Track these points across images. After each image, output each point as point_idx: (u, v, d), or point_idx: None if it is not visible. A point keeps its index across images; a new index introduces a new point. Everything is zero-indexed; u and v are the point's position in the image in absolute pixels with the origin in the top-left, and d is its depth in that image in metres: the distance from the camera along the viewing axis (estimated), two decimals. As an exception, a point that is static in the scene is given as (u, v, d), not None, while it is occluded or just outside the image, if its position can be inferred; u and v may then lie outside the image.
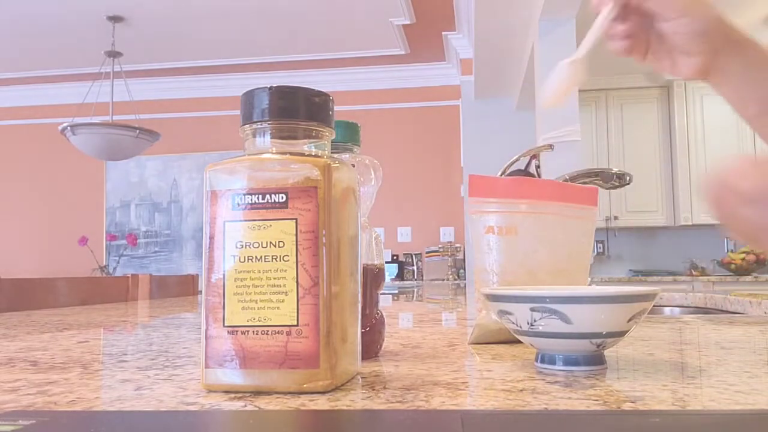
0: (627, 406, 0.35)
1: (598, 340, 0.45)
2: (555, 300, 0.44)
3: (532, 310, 0.45)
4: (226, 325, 0.40)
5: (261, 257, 0.40)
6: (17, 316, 1.14)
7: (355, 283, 0.43)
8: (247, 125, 0.43)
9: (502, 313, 0.48)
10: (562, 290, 0.49)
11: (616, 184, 1.26)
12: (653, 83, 4.92)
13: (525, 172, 1.61)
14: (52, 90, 5.54)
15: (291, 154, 0.42)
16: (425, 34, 4.52)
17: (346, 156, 0.54)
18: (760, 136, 0.66)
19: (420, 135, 5.25)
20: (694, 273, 4.73)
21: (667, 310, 1.59)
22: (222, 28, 4.40)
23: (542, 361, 0.48)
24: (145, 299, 2.08)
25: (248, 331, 0.39)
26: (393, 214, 5.13)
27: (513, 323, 0.47)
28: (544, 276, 0.64)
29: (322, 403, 0.37)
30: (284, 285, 0.39)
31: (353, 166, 0.45)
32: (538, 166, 1.93)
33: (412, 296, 1.98)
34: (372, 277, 0.55)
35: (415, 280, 4.91)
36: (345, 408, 0.36)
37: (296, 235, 0.39)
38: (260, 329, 0.39)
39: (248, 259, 0.40)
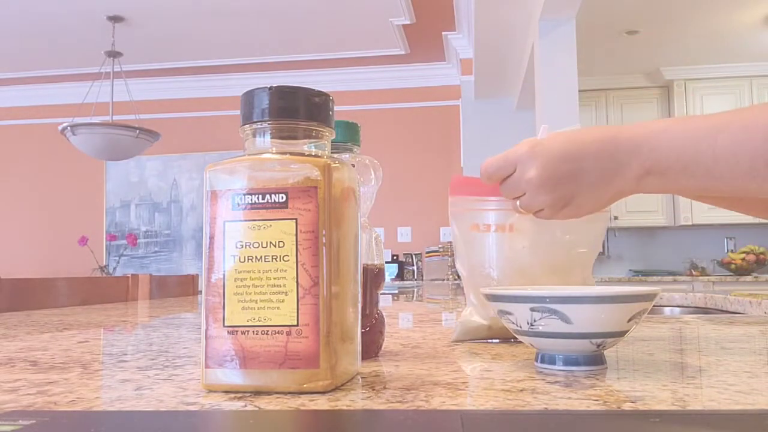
0: (627, 406, 0.35)
1: (598, 340, 0.45)
2: (555, 300, 0.44)
3: (532, 310, 0.45)
4: (226, 325, 0.40)
5: (261, 257, 0.40)
6: (17, 316, 1.14)
7: (355, 283, 0.43)
8: (247, 125, 0.43)
9: (502, 313, 0.48)
10: (562, 290, 0.49)
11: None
12: (653, 83, 4.93)
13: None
14: (52, 90, 5.54)
15: (291, 154, 0.42)
16: (425, 34, 4.52)
17: (346, 156, 0.54)
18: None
19: (420, 135, 5.25)
20: (694, 273, 4.73)
21: (667, 310, 1.59)
22: (222, 28, 4.40)
23: (542, 361, 0.48)
24: (145, 299, 2.08)
25: (248, 331, 0.39)
26: (393, 214, 5.13)
27: (513, 323, 0.47)
28: (540, 274, 0.64)
29: (322, 403, 0.37)
30: (284, 285, 0.39)
31: (353, 166, 0.45)
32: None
33: (412, 296, 1.98)
34: (372, 277, 0.55)
35: (415, 280, 4.91)
36: (345, 408, 0.36)
37: (296, 235, 0.39)
38: (260, 329, 0.39)
39: (248, 259, 0.40)
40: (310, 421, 0.34)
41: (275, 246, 0.40)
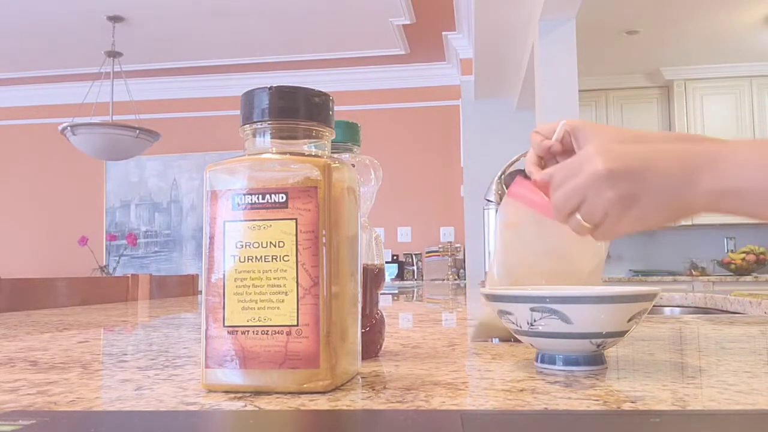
0: (627, 406, 0.35)
1: (598, 340, 0.45)
2: (555, 300, 0.44)
3: (532, 310, 0.45)
4: (226, 325, 0.40)
5: (261, 257, 0.40)
6: (17, 316, 1.14)
7: (355, 283, 0.43)
8: (247, 125, 0.43)
9: (502, 313, 0.48)
10: (562, 290, 0.49)
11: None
12: (653, 83, 4.93)
13: (525, 173, 1.61)
14: (52, 90, 5.53)
15: (291, 154, 0.42)
16: (425, 34, 4.52)
17: (346, 156, 0.54)
18: None
19: (420, 135, 5.25)
20: (694, 273, 4.73)
21: (667, 310, 1.59)
22: (222, 28, 4.40)
23: (542, 361, 0.48)
24: (145, 299, 2.08)
25: (248, 331, 0.39)
26: (393, 214, 5.13)
27: (513, 323, 0.47)
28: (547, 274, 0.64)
29: (322, 403, 0.37)
30: (284, 285, 0.39)
31: (353, 166, 0.45)
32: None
33: (412, 296, 1.98)
34: (372, 277, 0.55)
35: (415, 280, 4.91)
36: (345, 408, 0.36)
37: (296, 235, 0.39)
38: (260, 329, 0.39)
39: (248, 259, 0.40)
40: (310, 421, 0.34)
41: (275, 246, 0.40)
